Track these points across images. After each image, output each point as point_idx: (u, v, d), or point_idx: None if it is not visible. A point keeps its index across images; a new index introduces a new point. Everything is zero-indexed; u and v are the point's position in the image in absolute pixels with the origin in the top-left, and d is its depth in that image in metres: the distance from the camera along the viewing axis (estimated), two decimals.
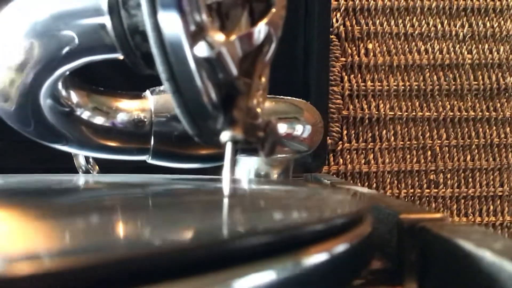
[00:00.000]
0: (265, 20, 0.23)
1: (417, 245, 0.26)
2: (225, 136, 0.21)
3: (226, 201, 0.23)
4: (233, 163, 0.21)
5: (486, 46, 0.60)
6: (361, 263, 0.22)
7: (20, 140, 0.30)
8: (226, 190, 0.21)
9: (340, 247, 0.19)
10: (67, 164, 0.39)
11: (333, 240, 0.19)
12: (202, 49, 0.20)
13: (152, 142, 0.32)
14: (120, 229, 0.19)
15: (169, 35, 0.20)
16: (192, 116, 0.22)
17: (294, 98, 0.41)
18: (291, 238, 0.18)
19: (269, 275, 0.16)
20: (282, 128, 0.39)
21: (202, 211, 0.23)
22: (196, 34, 0.20)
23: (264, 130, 0.22)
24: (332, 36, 0.58)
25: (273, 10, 0.23)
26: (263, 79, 0.26)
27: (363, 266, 0.22)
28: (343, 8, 0.59)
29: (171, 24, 0.20)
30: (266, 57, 0.24)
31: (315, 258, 0.18)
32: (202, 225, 0.19)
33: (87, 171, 0.40)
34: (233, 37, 0.21)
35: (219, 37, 0.20)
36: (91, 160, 0.40)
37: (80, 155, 0.39)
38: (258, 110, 0.23)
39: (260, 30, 0.23)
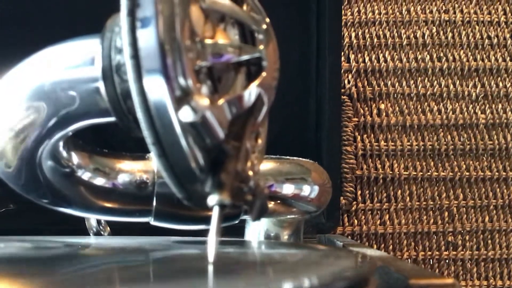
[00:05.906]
0: (255, 83, 0.23)
1: None
2: (212, 200, 0.21)
3: (219, 265, 0.22)
4: (220, 227, 0.21)
5: (500, 106, 0.60)
6: None
7: (34, 202, 0.31)
8: (211, 256, 0.21)
9: None
10: (80, 226, 0.39)
11: None
12: (186, 114, 0.20)
13: (154, 204, 0.32)
14: None
15: (154, 99, 0.20)
16: (179, 179, 0.22)
17: (301, 159, 0.40)
18: None
19: None
20: (289, 188, 0.39)
21: (192, 275, 0.23)
22: (181, 99, 0.20)
23: (253, 193, 0.22)
24: (345, 97, 0.58)
25: (264, 73, 0.23)
26: (260, 141, 0.26)
27: None
28: (354, 69, 0.59)
29: (156, 89, 0.20)
30: (258, 119, 0.24)
31: None
32: None
33: (98, 233, 0.40)
34: (221, 101, 0.22)
35: (203, 101, 0.21)
36: (102, 222, 0.40)
37: (92, 218, 0.39)
38: (250, 173, 0.23)
39: (251, 92, 0.23)
